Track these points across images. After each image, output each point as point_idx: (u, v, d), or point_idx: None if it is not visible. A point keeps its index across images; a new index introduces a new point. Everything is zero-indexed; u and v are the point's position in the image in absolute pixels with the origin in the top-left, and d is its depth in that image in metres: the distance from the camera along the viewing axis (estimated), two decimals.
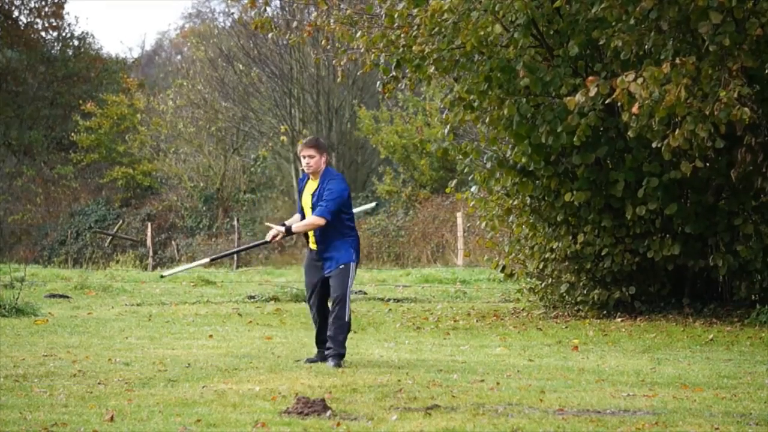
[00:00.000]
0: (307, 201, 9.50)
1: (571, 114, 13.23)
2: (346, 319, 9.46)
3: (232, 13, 41.35)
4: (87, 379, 8.67)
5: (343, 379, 8.65)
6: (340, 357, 9.52)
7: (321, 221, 9.29)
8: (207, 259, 11.09)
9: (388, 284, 21.91)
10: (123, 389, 8.17)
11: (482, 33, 13.51)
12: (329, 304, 9.62)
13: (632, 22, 13.07)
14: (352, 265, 9.43)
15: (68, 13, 78.41)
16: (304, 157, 9.37)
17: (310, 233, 9.44)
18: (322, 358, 9.71)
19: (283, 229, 9.55)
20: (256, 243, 10.90)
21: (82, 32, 49.02)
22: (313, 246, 9.50)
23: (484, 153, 15.69)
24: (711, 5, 12.32)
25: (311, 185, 9.50)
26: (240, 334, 12.94)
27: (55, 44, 45.23)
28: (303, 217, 9.58)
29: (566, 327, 13.99)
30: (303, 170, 9.54)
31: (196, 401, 7.60)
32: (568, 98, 12.36)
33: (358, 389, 8.16)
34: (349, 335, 13.09)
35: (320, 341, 9.79)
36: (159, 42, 65.47)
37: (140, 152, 41.19)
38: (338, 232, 9.42)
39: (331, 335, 9.49)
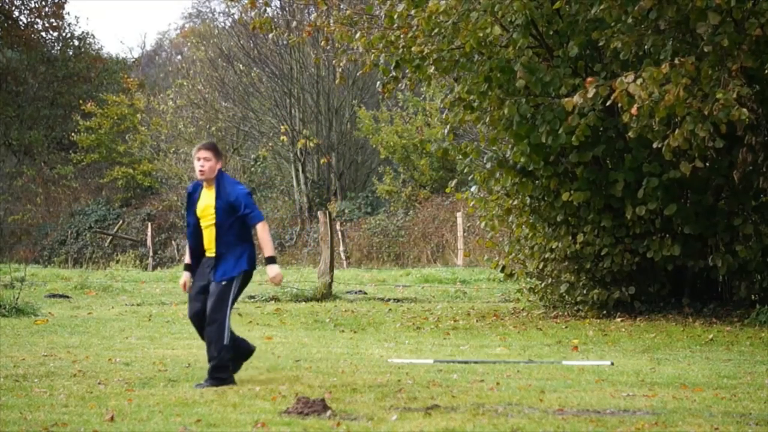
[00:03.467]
0: (207, 211, 8.54)
1: (570, 115, 13.24)
2: (225, 342, 8.46)
3: (233, 14, 41.36)
4: (87, 379, 8.67)
5: (343, 379, 8.66)
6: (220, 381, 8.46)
7: (265, 225, 8.58)
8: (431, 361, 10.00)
9: (388, 284, 21.91)
10: (123, 389, 8.18)
11: (481, 34, 13.52)
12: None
13: (631, 22, 13.07)
14: (239, 278, 8.50)
15: (68, 13, 78.50)
16: (199, 159, 8.52)
17: (211, 239, 8.54)
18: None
19: (276, 266, 8.57)
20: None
21: (83, 32, 49.06)
22: (211, 253, 8.54)
23: (484, 153, 15.69)
24: (710, 6, 12.33)
25: (207, 194, 8.58)
26: (240, 334, 12.90)
27: (56, 44, 45.24)
28: (196, 230, 8.59)
29: (566, 327, 13.99)
30: (196, 178, 8.66)
31: (196, 401, 7.60)
32: (566, 99, 12.37)
33: (358, 389, 8.16)
34: (349, 335, 13.11)
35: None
36: (159, 42, 65.54)
37: (140, 152, 41.21)
38: (238, 236, 8.55)
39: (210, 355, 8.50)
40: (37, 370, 9.19)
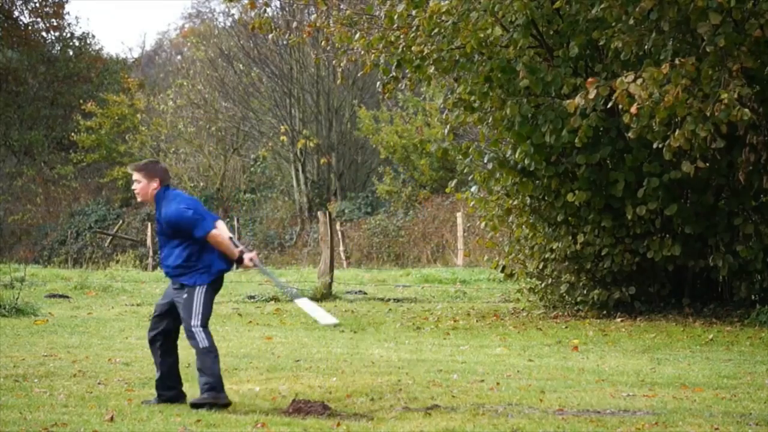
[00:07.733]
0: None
1: (572, 116, 13.23)
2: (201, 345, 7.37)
3: (233, 14, 41.37)
4: (87, 379, 8.67)
5: (343, 380, 8.66)
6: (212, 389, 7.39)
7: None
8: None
9: (388, 284, 21.90)
10: (123, 389, 8.17)
11: (482, 35, 13.51)
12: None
13: (632, 22, 13.07)
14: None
15: (69, 13, 78.25)
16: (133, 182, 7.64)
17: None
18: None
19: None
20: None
21: (83, 32, 49.04)
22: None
23: (485, 153, 15.68)
24: (710, 6, 12.33)
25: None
26: (240, 334, 12.94)
27: (56, 44, 45.21)
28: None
29: (566, 327, 13.98)
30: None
31: None
32: (569, 101, 12.37)
33: (358, 389, 8.16)
34: (349, 336, 13.11)
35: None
36: (159, 42, 65.43)
37: (140, 152, 41.16)
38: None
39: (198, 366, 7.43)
40: (37, 370, 9.19)
